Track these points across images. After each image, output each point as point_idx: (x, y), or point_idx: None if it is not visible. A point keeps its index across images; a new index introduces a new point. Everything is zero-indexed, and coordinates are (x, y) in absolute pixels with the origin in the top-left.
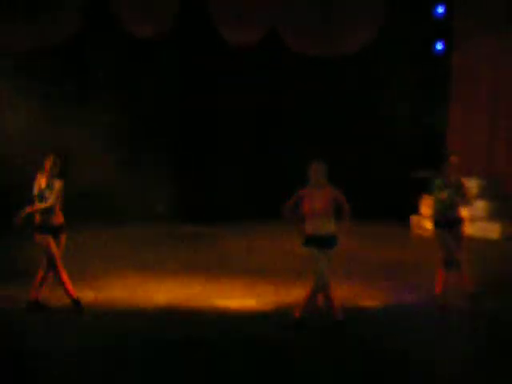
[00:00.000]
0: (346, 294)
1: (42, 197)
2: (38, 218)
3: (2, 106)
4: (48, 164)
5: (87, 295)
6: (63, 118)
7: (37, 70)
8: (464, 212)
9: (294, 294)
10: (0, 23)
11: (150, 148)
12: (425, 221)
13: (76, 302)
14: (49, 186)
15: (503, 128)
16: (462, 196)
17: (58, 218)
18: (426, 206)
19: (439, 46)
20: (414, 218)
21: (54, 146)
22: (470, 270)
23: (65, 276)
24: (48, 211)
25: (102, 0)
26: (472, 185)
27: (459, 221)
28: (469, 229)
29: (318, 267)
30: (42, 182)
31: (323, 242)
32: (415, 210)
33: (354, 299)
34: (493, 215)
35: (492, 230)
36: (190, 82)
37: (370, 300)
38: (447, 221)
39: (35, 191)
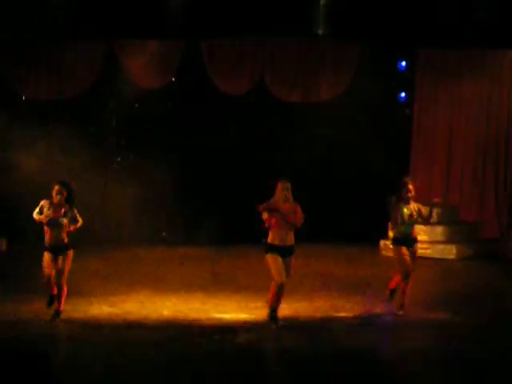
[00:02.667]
0: (322, 305)
1: (54, 223)
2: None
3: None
4: (54, 193)
5: (103, 309)
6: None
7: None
8: (424, 236)
9: (282, 307)
10: (27, 76)
11: (153, 179)
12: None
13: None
14: (65, 213)
15: (457, 167)
16: (423, 217)
17: (64, 239)
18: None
19: (402, 95)
20: (382, 242)
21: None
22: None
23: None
24: (58, 233)
25: (113, 59)
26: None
27: (416, 240)
28: (429, 250)
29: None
30: (51, 209)
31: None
32: (384, 234)
33: (331, 311)
34: (449, 238)
35: (449, 252)
36: (189, 123)
37: (344, 311)
38: (407, 239)
39: (47, 218)
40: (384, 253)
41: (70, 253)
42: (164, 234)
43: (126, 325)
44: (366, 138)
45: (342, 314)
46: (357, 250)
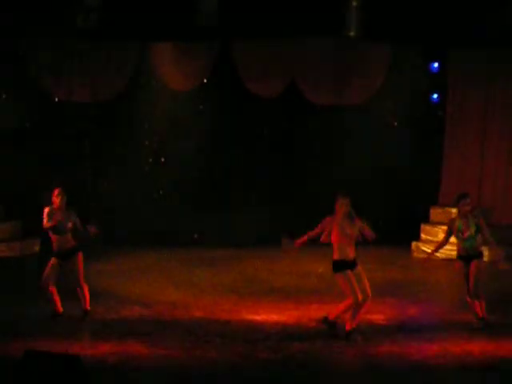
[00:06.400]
0: None
1: (60, 229)
2: (54, 245)
3: None
4: (57, 198)
5: (135, 310)
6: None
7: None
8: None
9: (313, 310)
10: (60, 76)
11: (184, 181)
12: (424, 245)
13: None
14: (67, 217)
15: (490, 168)
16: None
17: (70, 243)
18: (425, 233)
19: (435, 96)
20: (414, 244)
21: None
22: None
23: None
24: (63, 239)
25: (144, 61)
26: None
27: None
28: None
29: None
30: (57, 215)
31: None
32: (415, 236)
33: (364, 313)
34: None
35: None
36: (220, 126)
37: (376, 313)
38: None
39: (51, 223)
40: (416, 255)
41: (80, 254)
42: (196, 235)
43: (157, 326)
44: (398, 140)
45: (374, 317)
46: (388, 252)
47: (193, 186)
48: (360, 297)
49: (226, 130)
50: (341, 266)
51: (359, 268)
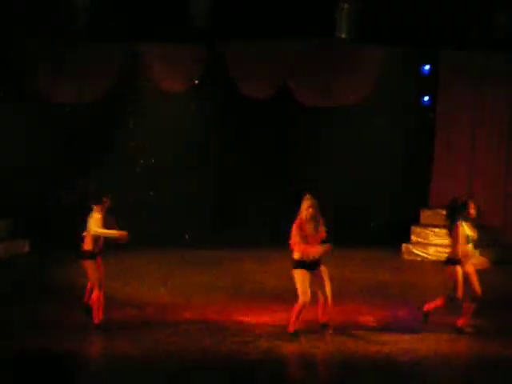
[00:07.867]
0: (344, 309)
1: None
2: (92, 246)
3: None
4: (105, 203)
5: (125, 312)
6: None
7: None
8: (447, 240)
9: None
10: (48, 76)
11: (174, 182)
12: (414, 247)
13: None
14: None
15: (480, 170)
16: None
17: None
18: (415, 235)
19: (426, 98)
20: (404, 246)
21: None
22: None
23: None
24: (98, 240)
25: (136, 62)
26: None
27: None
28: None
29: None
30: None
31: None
32: (406, 237)
33: (353, 315)
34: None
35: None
36: (212, 127)
37: (367, 316)
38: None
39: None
40: (406, 256)
41: (99, 258)
42: (186, 236)
43: (147, 327)
44: (389, 142)
45: (364, 318)
46: (378, 254)
47: (185, 186)
48: (308, 297)
49: (218, 131)
50: (299, 265)
51: (321, 269)
